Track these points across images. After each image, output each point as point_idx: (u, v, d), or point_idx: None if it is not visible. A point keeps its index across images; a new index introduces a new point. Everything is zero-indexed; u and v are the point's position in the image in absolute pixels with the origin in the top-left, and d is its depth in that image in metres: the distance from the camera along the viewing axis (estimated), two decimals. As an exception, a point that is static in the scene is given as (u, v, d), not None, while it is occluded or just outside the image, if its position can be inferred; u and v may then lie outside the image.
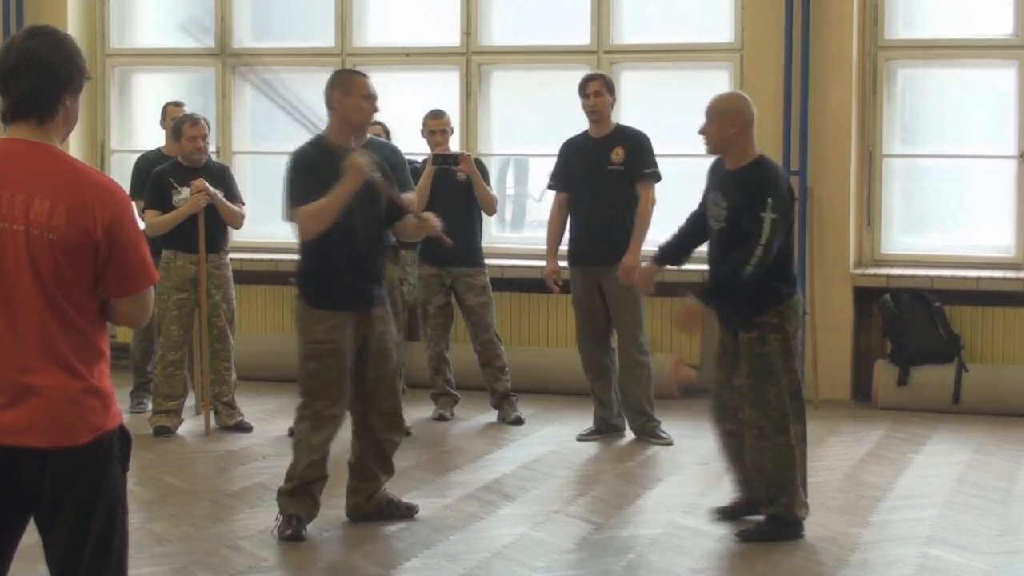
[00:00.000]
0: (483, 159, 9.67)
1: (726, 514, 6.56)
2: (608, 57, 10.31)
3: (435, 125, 9.02)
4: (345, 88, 6.34)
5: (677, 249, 6.85)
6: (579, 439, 8.44)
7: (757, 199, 6.09)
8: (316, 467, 6.35)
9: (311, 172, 6.22)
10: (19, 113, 3.51)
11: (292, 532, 6.24)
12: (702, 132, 6.36)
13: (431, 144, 9.02)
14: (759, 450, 6.23)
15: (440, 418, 8.96)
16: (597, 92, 8.40)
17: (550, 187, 8.73)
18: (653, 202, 8.37)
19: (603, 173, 8.29)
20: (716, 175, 6.45)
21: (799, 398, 6.27)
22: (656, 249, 6.93)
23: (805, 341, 9.67)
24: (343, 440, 8.47)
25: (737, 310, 6.24)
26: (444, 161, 8.80)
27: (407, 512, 6.63)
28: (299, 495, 6.32)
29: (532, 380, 9.71)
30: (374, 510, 6.56)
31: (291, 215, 6.24)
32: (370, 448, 6.51)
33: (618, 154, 8.32)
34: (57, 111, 3.53)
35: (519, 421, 8.89)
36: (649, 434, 8.37)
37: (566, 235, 8.61)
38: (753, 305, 6.19)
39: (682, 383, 9.84)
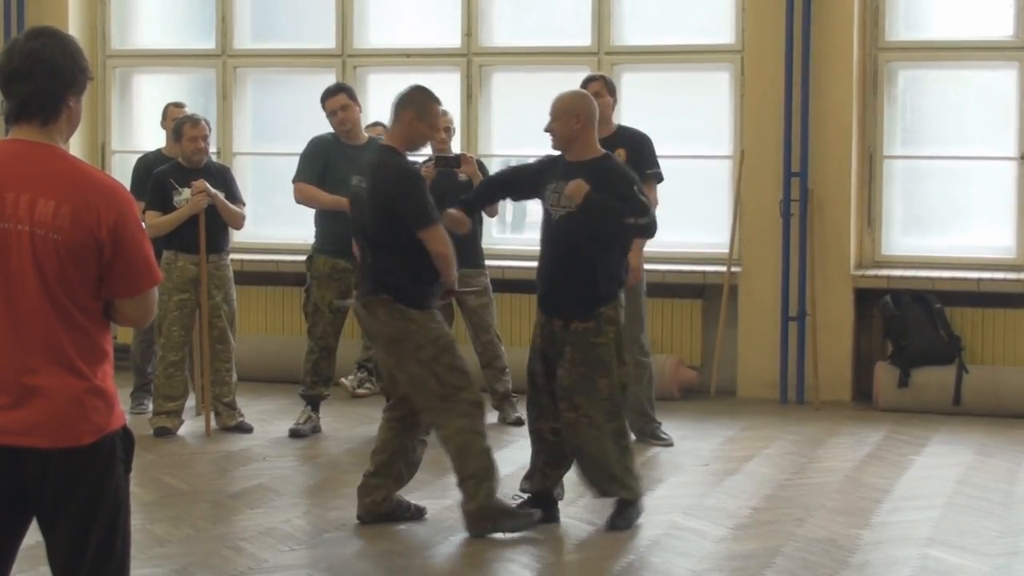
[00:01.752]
0: (484, 160, 9.67)
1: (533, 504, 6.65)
2: (609, 58, 10.31)
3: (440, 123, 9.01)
4: (421, 112, 6.41)
5: (484, 200, 7.23)
6: None
7: (621, 184, 6.40)
8: (491, 454, 6.38)
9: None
10: (23, 114, 3.52)
11: (536, 515, 6.35)
12: (548, 129, 6.62)
13: (436, 142, 9.01)
14: (588, 439, 6.39)
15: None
16: (597, 93, 8.37)
17: None
18: (656, 202, 8.34)
19: None
20: (556, 167, 6.62)
21: (625, 391, 6.53)
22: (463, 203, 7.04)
23: (806, 342, 9.70)
24: (345, 439, 8.50)
25: (581, 298, 6.39)
26: (446, 163, 8.80)
27: (416, 514, 6.64)
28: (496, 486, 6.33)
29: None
30: (387, 511, 6.56)
31: (432, 229, 6.27)
32: (406, 447, 6.51)
33: (620, 155, 8.30)
34: (61, 112, 3.53)
35: (520, 422, 8.88)
36: (650, 435, 8.38)
37: None
38: (597, 296, 6.38)
39: (683, 385, 9.84)
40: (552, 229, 6.57)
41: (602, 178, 6.40)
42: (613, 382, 6.39)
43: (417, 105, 6.39)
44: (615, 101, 8.52)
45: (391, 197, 6.28)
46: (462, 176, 8.82)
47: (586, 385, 6.35)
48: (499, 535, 6.29)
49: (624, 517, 6.52)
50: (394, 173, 6.33)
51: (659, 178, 8.36)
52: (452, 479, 7.40)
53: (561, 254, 6.50)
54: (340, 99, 8.53)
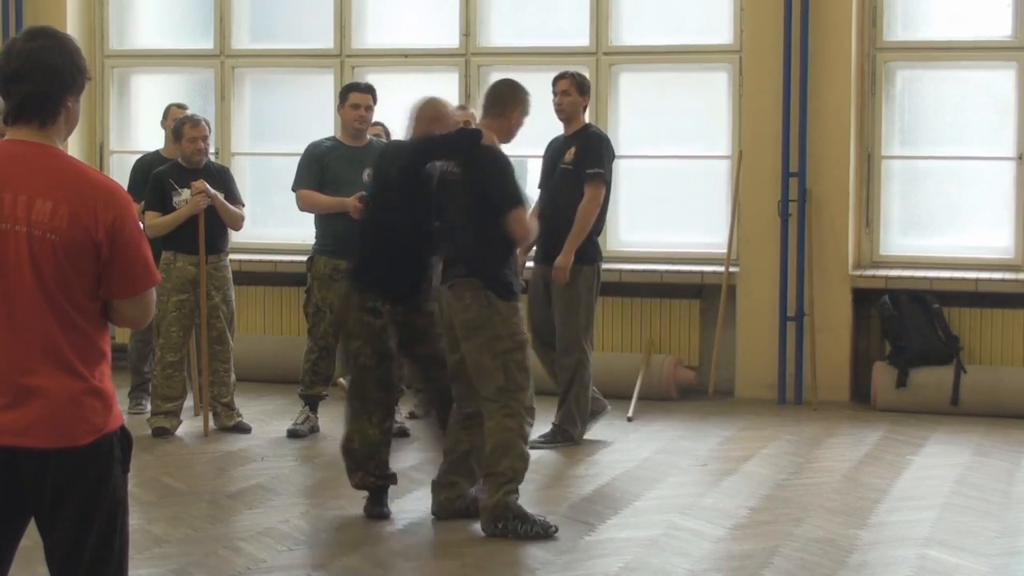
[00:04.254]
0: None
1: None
2: (607, 58, 10.31)
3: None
4: (525, 109, 6.73)
5: None
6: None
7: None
8: (527, 460, 6.46)
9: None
10: (21, 116, 3.52)
11: (552, 528, 6.32)
12: None
13: None
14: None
15: (411, 416, 8.84)
16: (564, 91, 8.38)
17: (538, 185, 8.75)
18: (596, 204, 8.25)
19: (558, 171, 8.29)
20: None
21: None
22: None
23: (804, 342, 9.69)
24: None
25: None
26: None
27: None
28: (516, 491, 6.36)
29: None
30: (463, 508, 6.57)
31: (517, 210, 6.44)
32: (477, 445, 6.53)
33: (570, 153, 8.30)
34: (59, 113, 3.53)
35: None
36: (546, 435, 8.34)
37: None
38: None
39: (681, 385, 9.84)
40: None
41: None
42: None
43: (524, 104, 6.70)
44: (586, 100, 8.46)
45: (485, 182, 6.40)
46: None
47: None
48: (509, 537, 6.26)
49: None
50: (490, 159, 6.46)
51: (601, 178, 8.21)
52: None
53: None
54: (368, 98, 8.52)
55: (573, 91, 8.33)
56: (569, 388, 8.24)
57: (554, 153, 8.43)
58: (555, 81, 8.42)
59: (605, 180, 8.24)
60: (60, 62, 3.50)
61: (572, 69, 8.60)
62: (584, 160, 8.18)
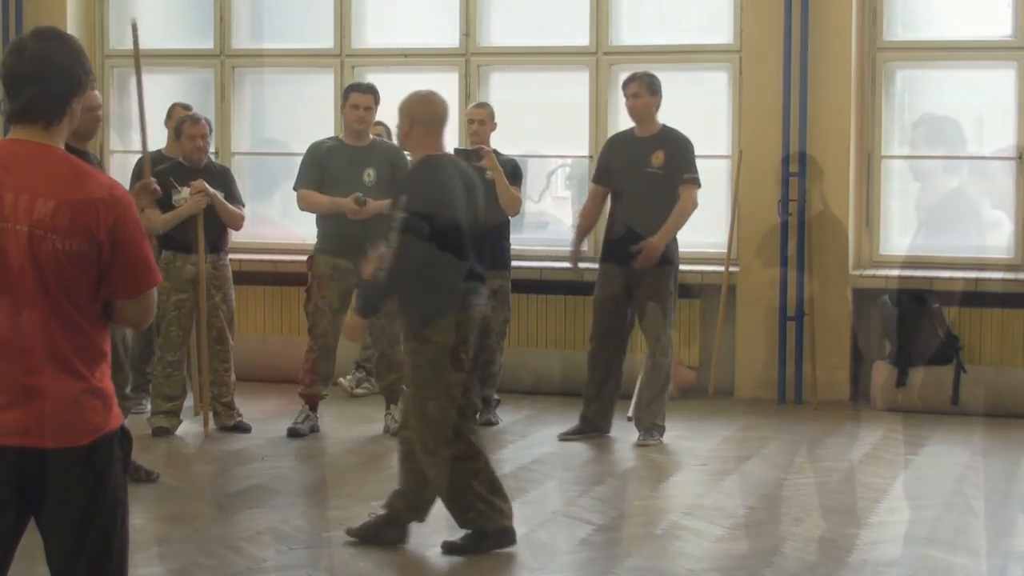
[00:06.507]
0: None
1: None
2: (607, 58, 10.31)
3: (473, 114, 8.89)
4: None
5: None
6: (561, 438, 8.43)
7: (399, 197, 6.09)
8: None
9: None
10: (27, 115, 3.52)
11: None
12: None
13: (469, 134, 8.95)
14: (427, 464, 6.06)
15: None
16: (635, 94, 8.36)
17: (592, 180, 8.71)
18: (695, 205, 8.32)
19: (643, 175, 8.26)
20: None
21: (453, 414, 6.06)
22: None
23: (804, 342, 9.68)
24: (344, 439, 8.50)
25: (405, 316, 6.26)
26: (465, 156, 8.62)
27: None
28: None
29: (531, 381, 9.70)
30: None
31: None
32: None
33: (658, 157, 8.27)
34: (65, 114, 3.54)
35: (490, 423, 8.86)
36: (643, 433, 8.34)
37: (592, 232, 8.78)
38: (410, 317, 6.17)
39: (681, 384, 9.83)
40: None
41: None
42: (441, 404, 6.00)
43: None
44: (658, 101, 8.41)
45: None
46: (488, 173, 8.61)
47: (416, 408, 6.07)
48: None
49: (466, 543, 6.15)
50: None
51: (697, 183, 8.32)
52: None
53: None
54: (368, 99, 8.49)
55: (644, 93, 8.32)
56: (665, 385, 8.35)
57: (628, 153, 8.38)
58: (625, 84, 8.44)
59: (700, 183, 8.38)
60: (70, 64, 3.52)
61: (641, 70, 8.53)
62: (679, 165, 8.27)
